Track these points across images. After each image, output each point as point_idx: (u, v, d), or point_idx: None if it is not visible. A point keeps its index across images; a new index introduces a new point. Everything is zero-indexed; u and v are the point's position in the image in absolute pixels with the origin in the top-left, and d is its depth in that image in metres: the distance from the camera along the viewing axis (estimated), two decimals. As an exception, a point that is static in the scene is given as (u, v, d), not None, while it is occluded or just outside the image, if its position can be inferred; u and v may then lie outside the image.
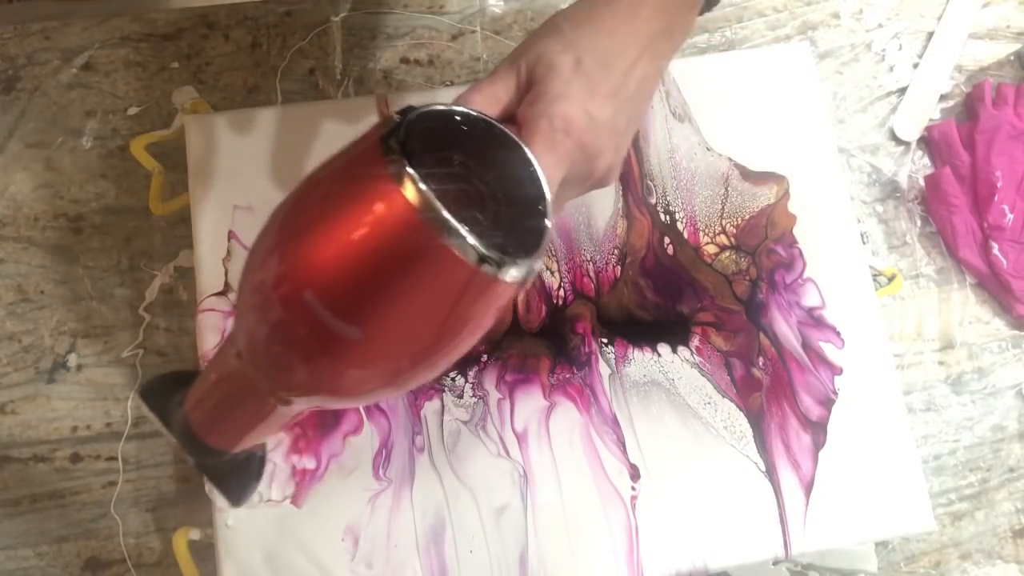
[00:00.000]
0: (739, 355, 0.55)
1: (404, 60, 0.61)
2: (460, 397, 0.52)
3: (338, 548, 0.49)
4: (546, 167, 0.34)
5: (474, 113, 0.33)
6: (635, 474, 0.52)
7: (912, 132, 0.64)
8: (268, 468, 0.50)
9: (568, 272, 0.55)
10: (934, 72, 0.65)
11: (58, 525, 0.52)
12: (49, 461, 0.52)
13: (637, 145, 0.58)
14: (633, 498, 0.52)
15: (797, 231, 0.58)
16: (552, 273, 0.55)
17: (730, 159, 0.58)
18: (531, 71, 0.37)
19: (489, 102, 0.37)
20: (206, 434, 0.38)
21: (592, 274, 0.56)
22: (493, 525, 0.50)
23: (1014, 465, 0.59)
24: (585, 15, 0.38)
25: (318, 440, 0.51)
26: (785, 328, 0.56)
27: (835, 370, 0.55)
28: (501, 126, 0.34)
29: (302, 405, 0.37)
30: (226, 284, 0.53)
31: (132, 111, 0.58)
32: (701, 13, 0.42)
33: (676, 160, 0.58)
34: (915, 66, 0.65)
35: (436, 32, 0.62)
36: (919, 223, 0.62)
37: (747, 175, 0.58)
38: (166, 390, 0.40)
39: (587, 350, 0.54)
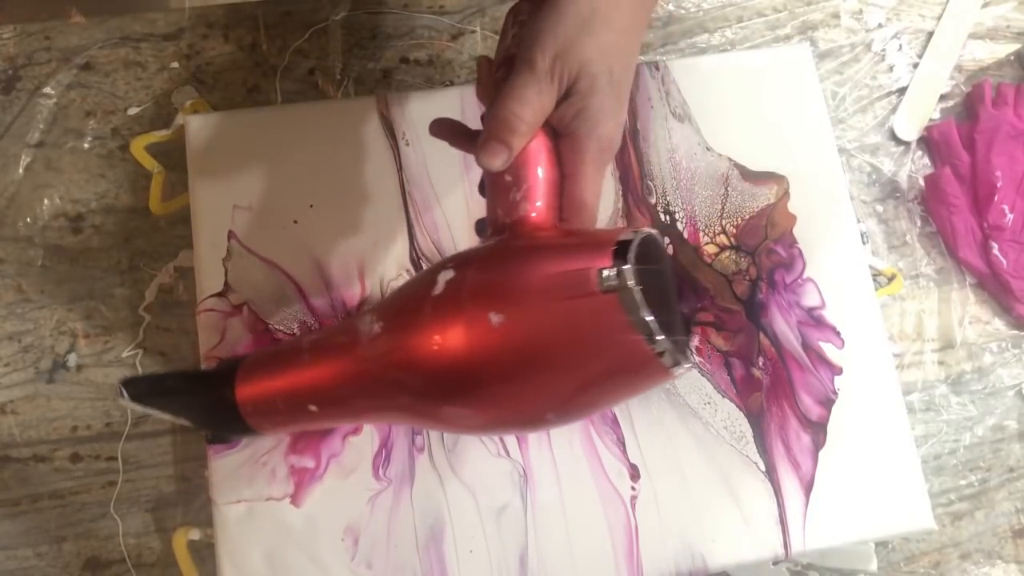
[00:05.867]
0: (739, 355, 0.55)
1: (404, 60, 0.61)
2: (460, 397, 0.52)
3: (338, 548, 0.49)
4: (595, 181, 0.39)
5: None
6: (635, 474, 0.52)
7: (912, 132, 0.64)
8: (268, 469, 0.50)
9: (568, 272, 0.55)
10: (934, 72, 0.65)
11: (58, 525, 0.52)
12: (49, 461, 0.52)
13: (637, 145, 0.58)
14: (633, 498, 0.51)
15: (797, 231, 0.58)
16: (552, 273, 0.55)
17: (730, 159, 0.58)
18: (573, 81, 0.38)
19: (539, 115, 0.38)
20: (260, 422, 0.42)
21: (592, 274, 0.56)
22: (493, 525, 0.50)
23: (1014, 465, 0.59)
24: (603, 11, 0.38)
25: (318, 440, 0.51)
26: (785, 328, 0.56)
27: (835, 370, 0.55)
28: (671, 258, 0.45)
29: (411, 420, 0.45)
30: (226, 284, 0.53)
31: (132, 111, 0.58)
32: None
33: (676, 160, 0.58)
34: (915, 66, 0.65)
35: (436, 32, 0.62)
36: (919, 223, 0.62)
37: (747, 175, 0.58)
38: (168, 387, 0.44)
39: (587, 350, 0.54)
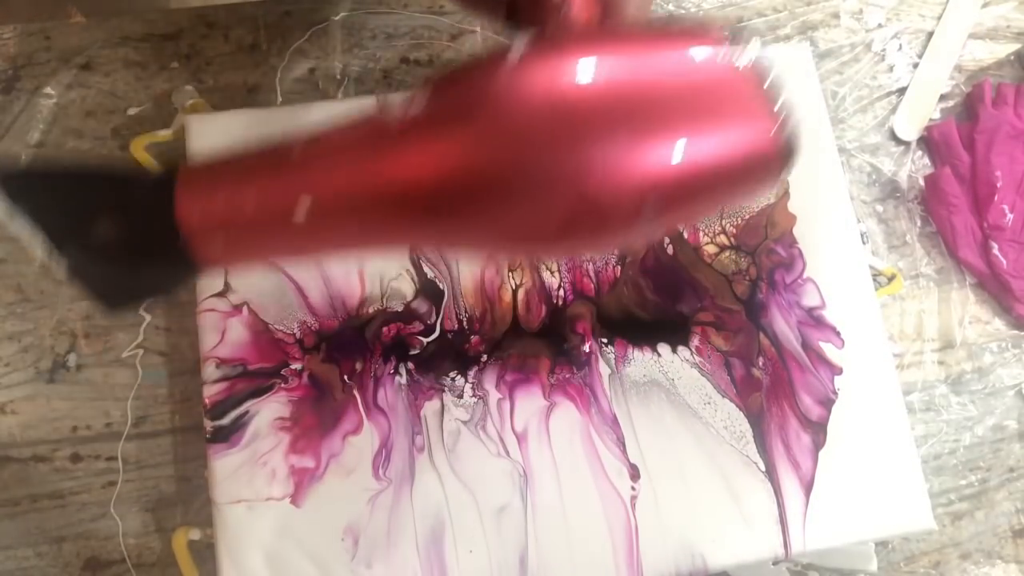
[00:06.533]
0: (739, 355, 0.55)
1: (404, 60, 0.61)
2: (460, 397, 0.52)
3: (338, 548, 0.49)
4: None
5: None
6: (635, 474, 0.52)
7: (912, 132, 0.64)
8: (268, 469, 0.50)
9: (568, 272, 0.55)
10: (934, 72, 0.65)
11: (58, 525, 0.52)
12: (49, 461, 0.52)
13: (637, 145, 0.58)
14: (633, 498, 0.52)
15: (797, 231, 0.58)
16: (552, 273, 0.55)
17: (730, 159, 0.58)
18: None
19: None
20: (209, 240, 0.30)
21: (592, 274, 0.56)
22: (493, 525, 0.50)
23: (1014, 465, 0.59)
24: None
25: (317, 440, 0.51)
26: (785, 328, 0.56)
27: (835, 370, 0.55)
28: None
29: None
30: (226, 284, 0.52)
31: (132, 111, 0.58)
32: None
33: (676, 160, 0.58)
34: (915, 66, 0.65)
35: (436, 32, 0.62)
36: (919, 223, 0.62)
37: (747, 175, 0.58)
38: (70, 182, 0.31)
39: (587, 350, 0.54)
